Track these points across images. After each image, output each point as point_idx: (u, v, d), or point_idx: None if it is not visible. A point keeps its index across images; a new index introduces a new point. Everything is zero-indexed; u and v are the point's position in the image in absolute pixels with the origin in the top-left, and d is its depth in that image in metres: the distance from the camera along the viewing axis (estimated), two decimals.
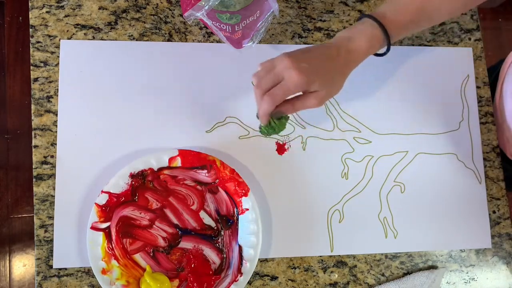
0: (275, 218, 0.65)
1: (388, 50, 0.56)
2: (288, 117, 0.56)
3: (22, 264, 1.39)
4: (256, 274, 0.64)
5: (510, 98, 0.70)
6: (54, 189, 0.62)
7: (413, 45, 0.72)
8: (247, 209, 0.62)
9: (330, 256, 0.65)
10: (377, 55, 0.56)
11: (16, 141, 1.46)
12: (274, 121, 0.53)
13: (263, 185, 0.65)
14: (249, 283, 0.63)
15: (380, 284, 0.66)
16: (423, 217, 0.68)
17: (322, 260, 0.65)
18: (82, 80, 0.64)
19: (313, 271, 0.65)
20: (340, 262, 0.66)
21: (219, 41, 0.68)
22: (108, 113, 0.64)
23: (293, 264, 0.65)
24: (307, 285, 0.65)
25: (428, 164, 0.69)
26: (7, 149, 1.45)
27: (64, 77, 0.64)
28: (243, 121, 0.66)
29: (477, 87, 0.72)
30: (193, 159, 0.62)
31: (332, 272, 0.65)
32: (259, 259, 0.63)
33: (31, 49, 0.64)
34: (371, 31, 0.53)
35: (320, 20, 0.71)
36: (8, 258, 1.39)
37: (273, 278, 0.64)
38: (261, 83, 0.50)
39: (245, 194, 0.62)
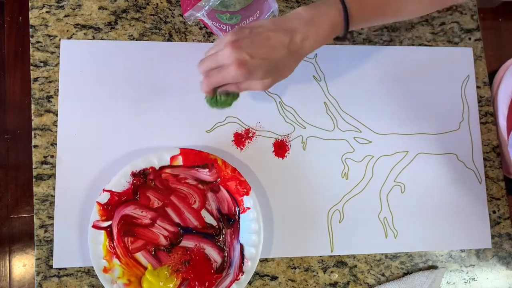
0: (275, 218, 0.65)
1: (344, 36, 0.49)
2: (237, 95, 0.54)
3: (22, 264, 1.39)
4: (256, 274, 0.64)
5: (502, 112, 0.70)
6: (54, 189, 0.62)
7: (413, 45, 0.72)
8: (249, 208, 0.62)
9: (330, 256, 0.65)
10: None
11: (16, 141, 1.46)
12: (220, 96, 0.53)
13: (264, 184, 0.65)
14: (249, 283, 0.63)
15: (380, 284, 0.66)
16: (423, 217, 0.68)
17: (322, 260, 0.65)
18: (82, 80, 0.64)
19: (313, 271, 0.65)
20: (340, 262, 0.66)
21: None
22: (108, 113, 0.64)
23: (293, 264, 0.65)
24: (307, 285, 0.65)
25: (428, 164, 0.69)
26: (7, 149, 1.45)
27: (64, 77, 0.64)
28: (243, 120, 0.67)
29: (477, 87, 0.72)
30: (195, 158, 0.62)
31: (332, 272, 0.65)
32: (259, 259, 0.63)
33: (31, 49, 0.64)
34: (334, 16, 0.45)
35: None
36: (8, 258, 1.39)
37: (273, 278, 0.64)
38: (203, 63, 0.49)
39: (247, 193, 0.62)
